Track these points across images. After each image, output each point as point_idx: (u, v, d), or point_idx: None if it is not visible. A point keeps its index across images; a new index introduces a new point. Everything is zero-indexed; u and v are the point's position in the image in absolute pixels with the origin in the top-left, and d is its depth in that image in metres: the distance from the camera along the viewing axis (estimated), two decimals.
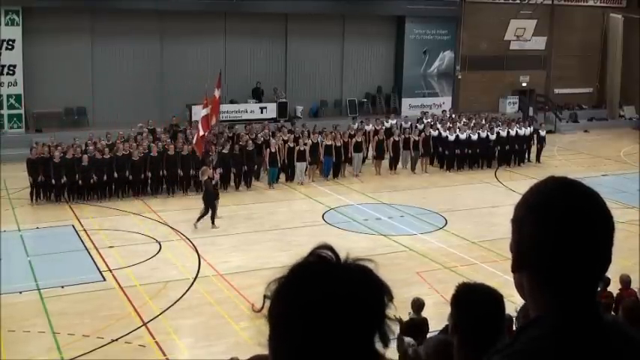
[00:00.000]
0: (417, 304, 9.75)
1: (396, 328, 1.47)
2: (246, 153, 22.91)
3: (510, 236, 1.61)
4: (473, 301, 2.78)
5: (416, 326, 8.97)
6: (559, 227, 1.51)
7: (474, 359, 2.71)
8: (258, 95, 31.55)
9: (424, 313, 9.89)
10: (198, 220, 18.38)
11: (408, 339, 8.48)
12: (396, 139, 25.37)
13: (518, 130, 27.30)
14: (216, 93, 22.03)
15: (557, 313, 1.52)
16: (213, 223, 18.58)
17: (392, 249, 16.98)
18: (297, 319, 1.39)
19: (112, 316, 12.98)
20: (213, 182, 19.01)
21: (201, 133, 20.86)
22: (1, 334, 11.93)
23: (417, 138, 25.53)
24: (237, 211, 20.31)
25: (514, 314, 8.42)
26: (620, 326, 1.58)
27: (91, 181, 20.77)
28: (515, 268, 1.60)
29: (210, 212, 18.45)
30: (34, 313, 13.09)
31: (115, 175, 21.05)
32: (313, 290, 1.39)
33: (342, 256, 1.45)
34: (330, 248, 1.44)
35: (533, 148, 27.85)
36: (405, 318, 9.54)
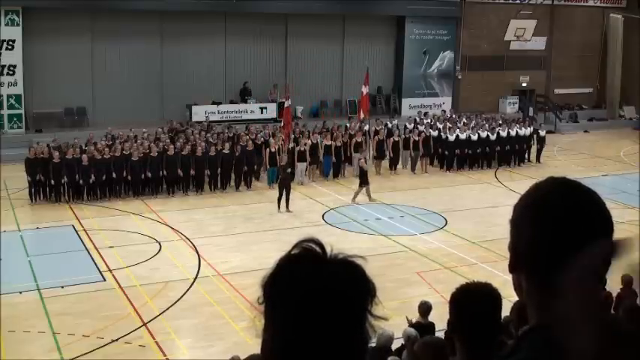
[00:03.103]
0: (424, 308, 9.70)
1: (381, 325, 1.47)
2: (246, 153, 22.93)
3: (509, 237, 1.61)
4: (469, 300, 2.79)
5: (422, 329, 8.96)
6: (557, 227, 1.49)
7: (474, 357, 2.71)
8: (245, 95, 31.47)
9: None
10: (287, 205, 20.10)
11: (409, 330, 8.48)
12: (396, 139, 25.37)
13: (518, 130, 27.29)
14: (364, 90, 25.39)
15: (558, 317, 1.51)
16: (287, 207, 20.03)
17: (392, 249, 16.98)
18: (280, 313, 1.41)
19: (112, 316, 12.97)
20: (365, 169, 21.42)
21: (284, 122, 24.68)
22: (1, 334, 11.93)
23: (417, 138, 25.52)
24: (237, 211, 20.31)
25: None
26: (621, 327, 1.57)
27: (91, 181, 20.77)
28: (513, 268, 1.59)
29: (286, 196, 20.09)
30: (34, 313, 13.09)
31: (114, 175, 21.04)
32: (297, 284, 1.40)
33: (329, 250, 1.45)
34: (317, 242, 1.45)
35: (533, 149, 27.83)
36: (404, 319, 9.53)
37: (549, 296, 1.53)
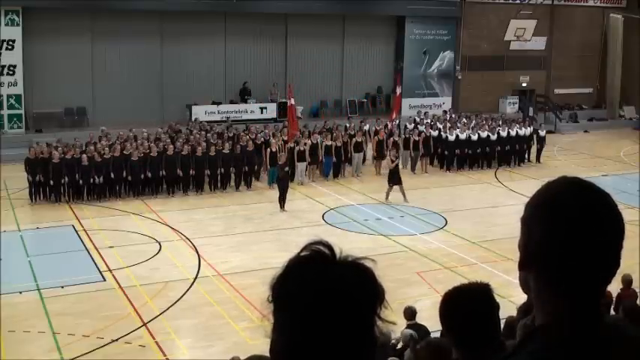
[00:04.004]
0: (409, 312, 9.74)
1: (389, 329, 1.47)
2: (246, 153, 22.93)
3: (519, 234, 1.60)
4: (460, 300, 2.77)
5: (419, 329, 8.96)
6: (569, 227, 1.49)
7: (470, 358, 2.71)
8: (245, 95, 31.48)
9: (424, 315, 9.86)
10: (283, 204, 20.18)
11: (407, 331, 8.47)
12: (396, 139, 25.36)
13: (518, 130, 27.28)
14: (398, 90, 26.35)
15: (562, 318, 1.51)
16: (283, 206, 20.15)
17: (392, 249, 16.97)
18: (289, 313, 1.41)
19: (112, 316, 12.97)
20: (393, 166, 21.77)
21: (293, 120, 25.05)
22: (1, 334, 11.93)
23: (417, 138, 25.52)
24: (237, 212, 20.31)
25: (512, 314, 8.42)
26: (622, 328, 1.57)
27: (91, 180, 20.75)
28: (523, 266, 1.58)
29: (283, 195, 20.23)
30: (34, 313, 13.09)
31: (112, 175, 21.00)
32: (306, 286, 1.41)
33: (338, 252, 1.45)
34: (326, 244, 1.45)
35: (533, 149, 27.83)
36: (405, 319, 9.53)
37: (558, 296, 1.52)
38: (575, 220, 1.49)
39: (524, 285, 1.60)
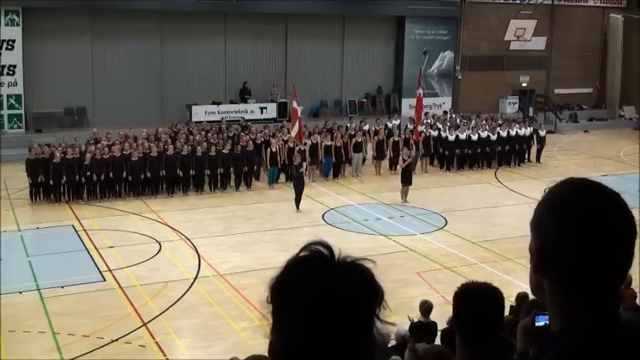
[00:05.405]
0: (425, 307, 9.68)
1: (390, 329, 1.47)
2: (247, 153, 22.92)
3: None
4: (472, 299, 2.80)
5: (424, 328, 8.93)
6: (581, 228, 1.48)
7: (474, 356, 2.72)
8: (245, 95, 31.47)
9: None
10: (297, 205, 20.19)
11: (401, 329, 8.45)
12: (396, 139, 25.35)
13: (518, 131, 27.28)
14: (420, 91, 26.33)
15: (579, 321, 1.50)
16: (297, 207, 20.14)
17: (392, 249, 16.97)
18: (288, 314, 1.41)
19: (112, 316, 12.98)
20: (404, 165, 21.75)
21: (296, 126, 23.79)
22: (1, 334, 11.93)
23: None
24: (237, 212, 20.31)
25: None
26: (636, 327, 1.57)
27: (93, 178, 20.70)
28: (538, 269, 1.57)
29: (297, 196, 20.17)
30: (34, 313, 13.09)
31: (111, 175, 21.00)
32: (305, 286, 1.41)
33: (337, 252, 1.45)
34: (325, 244, 1.45)
35: (533, 149, 27.83)
36: (406, 319, 9.52)
37: (574, 298, 1.51)
38: (586, 220, 1.49)
39: (537, 288, 1.59)
